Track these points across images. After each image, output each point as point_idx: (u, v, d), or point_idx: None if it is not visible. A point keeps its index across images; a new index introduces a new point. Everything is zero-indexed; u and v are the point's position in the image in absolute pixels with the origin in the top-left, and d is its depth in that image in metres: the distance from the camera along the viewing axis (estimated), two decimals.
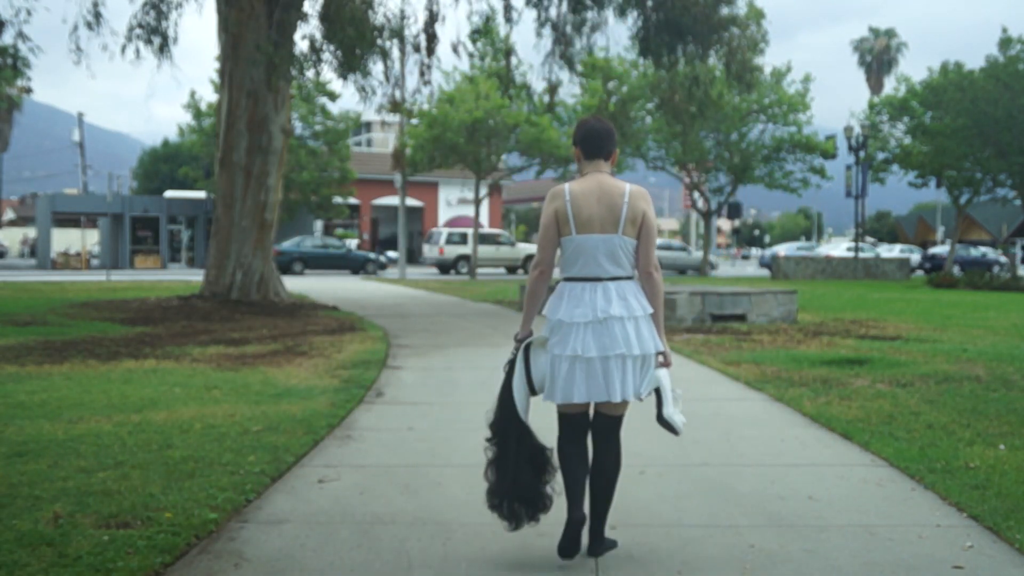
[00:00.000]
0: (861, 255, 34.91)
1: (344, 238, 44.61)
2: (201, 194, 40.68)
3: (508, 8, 18.75)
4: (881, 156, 34.92)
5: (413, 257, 44.70)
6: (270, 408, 6.60)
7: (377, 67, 17.38)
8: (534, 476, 3.69)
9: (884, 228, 73.96)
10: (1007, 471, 4.90)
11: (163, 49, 15.77)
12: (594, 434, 3.74)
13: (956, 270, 35.55)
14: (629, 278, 3.63)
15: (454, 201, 51.74)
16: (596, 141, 3.70)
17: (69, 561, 3.55)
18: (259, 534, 4.00)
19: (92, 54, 18.25)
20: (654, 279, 3.63)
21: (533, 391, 3.71)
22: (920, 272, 40.00)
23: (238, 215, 16.17)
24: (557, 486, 3.72)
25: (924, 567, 3.64)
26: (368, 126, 54.20)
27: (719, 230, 78.86)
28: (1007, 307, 17.63)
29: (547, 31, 18.98)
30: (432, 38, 17.47)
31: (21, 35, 15.09)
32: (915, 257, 43.07)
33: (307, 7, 16.52)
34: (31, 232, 56.08)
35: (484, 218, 46.30)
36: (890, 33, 66.42)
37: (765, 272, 42.54)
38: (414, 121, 30.78)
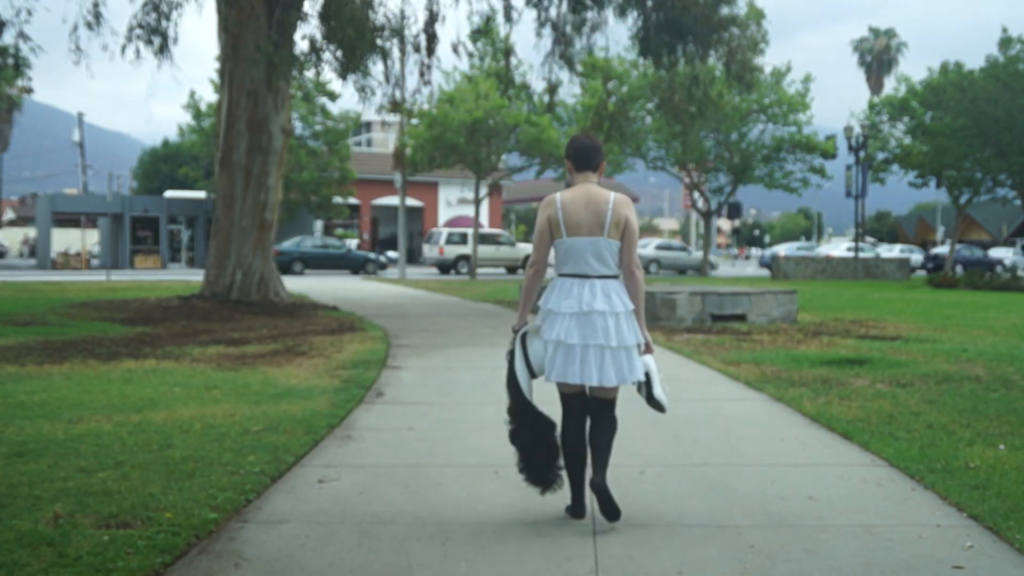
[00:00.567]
0: (861, 255, 34.90)
1: (344, 238, 44.60)
2: (201, 194, 40.68)
3: (508, 8, 18.77)
4: (881, 156, 34.92)
5: (413, 257, 44.71)
6: (270, 408, 6.61)
7: (377, 67, 17.45)
8: (547, 456, 4.17)
9: (884, 228, 73.96)
10: (1007, 471, 4.90)
11: (163, 49, 15.77)
12: (591, 414, 4.19)
13: (959, 270, 35.59)
14: (614, 276, 4.09)
15: (454, 201, 51.74)
16: (585, 155, 4.22)
17: (69, 561, 3.55)
18: (259, 534, 4.00)
19: (92, 54, 18.28)
20: (635, 276, 4.10)
21: (533, 374, 4.18)
22: (922, 272, 39.99)
23: (238, 215, 16.17)
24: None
25: (924, 567, 3.64)
26: (368, 126, 54.22)
27: (719, 230, 78.91)
28: (1007, 307, 17.63)
29: (547, 31, 18.99)
30: (432, 38, 17.47)
31: (22, 35, 15.12)
32: (915, 257, 43.05)
33: (307, 7, 16.55)
34: (31, 232, 56.08)
35: (484, 218, 46.31)
36: (890, 33, 66.42)
37: (765, 272, 42.54)
38: (414, 121, 30.77)
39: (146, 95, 17.71)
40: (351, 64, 16.21)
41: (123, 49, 15.60)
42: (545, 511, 4.31)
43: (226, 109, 16.26)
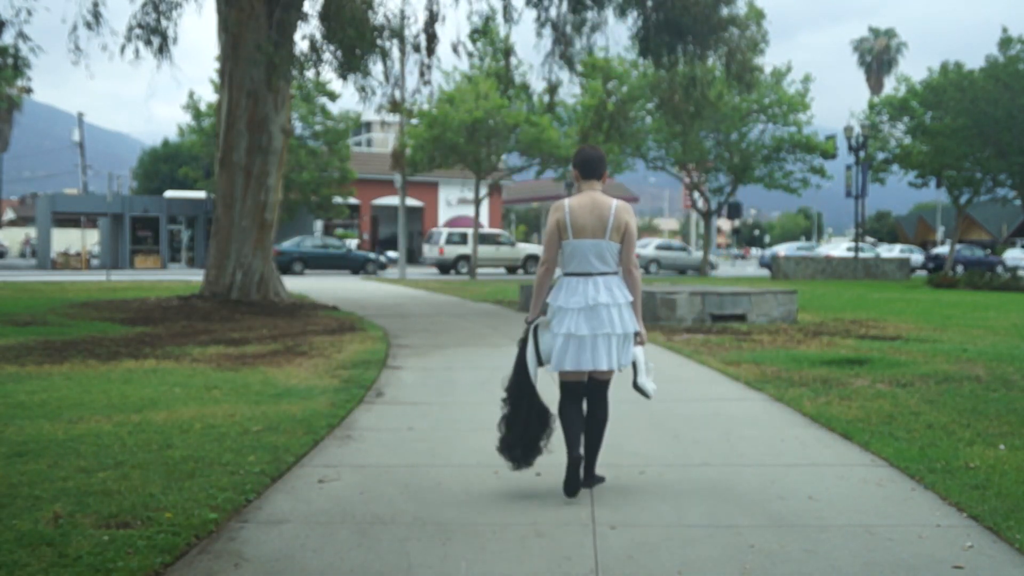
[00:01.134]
0: (861, 255, 34.90)
1: (344, 238, 44.60)
2: (201, 194, 40.67)
3: (508, 8, 18.75)
4: (881, 156, 34.91)
5: (413, 257, 44.69)
6: (270, 408, 6.61)
7: (377, 67, 17.37)
8: (538, 430, 4.64)
9: (884, 228, 73.96)
10: (1007, 471, 4.90)
11: (163, 49, 15.75)
12: (588, 395, 4.65)
13: (959, 270, 35.57)
14: (615, 273, 4.56)
15: (454, 201, 51.73)
16: (591, 165, 4.66)
17: (69, 561, 3.55)
18: (259, 534, 4.00)
19: (92, 54, 18.21)
20: (634, 275, 4.58)
21: (541, 362, 4.66)
22: (923, 272, 39.99)
23: (238, 215, 16.17)
24: (551, 444, 4.67)
25: (924, 567, 3.64)
26: (368, 126, 54.17)
27: (719, 230, 78.87)
28: (1007, 307, 17.63)
29: (547, 31, 18.98)
30: (432, 38, 17.46)
31: (21, 35, 15.11)
32: (916, 257, 43.04)
33: (307, 7, 16.54)
34: (32, 232, 56.08)
35: (484, 218, 46.29)
36: (890, 33, 66.40)
37: (765, 272, 42.54)
38: (414, 121, 30.77)
39: (146, 95, 17.72)
40: (351, 64, 16.20)
41: (123, 49, 15.59)
42: (545, 511, 4.32)
43: (226, 109, 16.25)
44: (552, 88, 21.00)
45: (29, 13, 14.82)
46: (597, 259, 4.50)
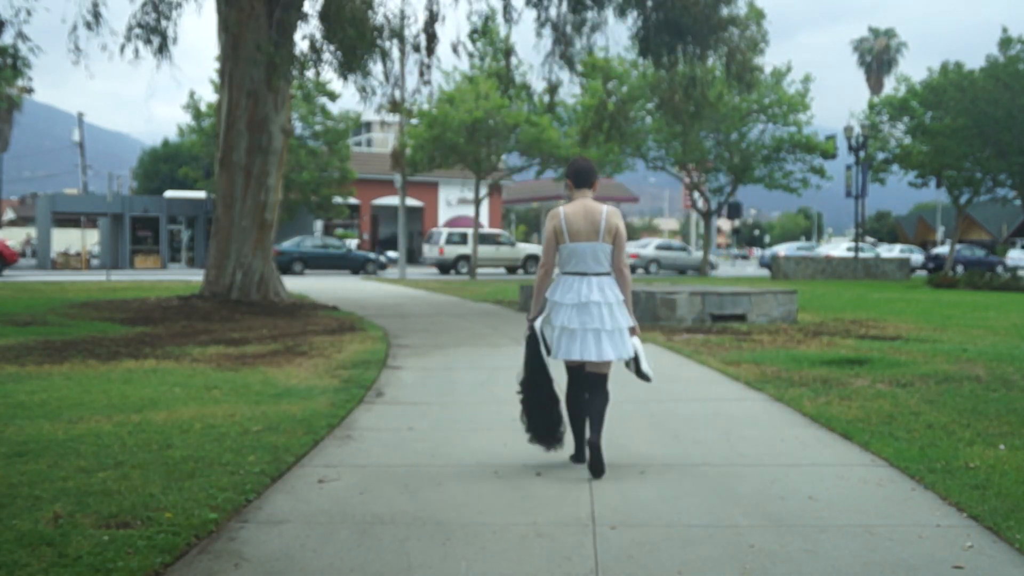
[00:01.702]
0: (861, 255, 34.90)
1: (344, 238, 44.60)
2: (201, 194, 40.67)
3: (508, 8, 18.74)
4: (881, 156, 34.89)
5: (413, 257, 44.69)
6: (270, 408, 6.61)
7: (377, 67, 17.35)
8: (553, 418, 5.15)
9: (884, 228, 73.95)
10: (1007, 471, 4.90)
11: (163, 49, 15.76)
12: (587, 386, 5.06)
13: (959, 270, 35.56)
14: (608, 273, 5.03)
15: (454, 201, 51.73)
16: (583, 175, 5.16)
17: (69, 561, 3.55)
18: (259, 534, 4.00)
19: (92, 54, 18.24)
20: (624, 274, 5.05)
21: (548, 352, 5.14)
22: (923, 272, 39.99)
23: (238, 215, 16.17)
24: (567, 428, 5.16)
25: (924, 567, 3.64)
26: (368, 126, 54.16)
27: (719, 230, 78.85)
28: (1007, 307, 17.63)
29: (547, 31, 18.97)
30: (432, 38, 17.46)
31: (21, 35, 15.08)
32: (916, 257, 43.03)
33: (307, 7, 16.53)
34: (32, 232, 56.07)
35: (484, 218, 46.30)
36: (890, 33, 66.39)
37: (765, 272, 42.53)
38: (414, 121, 30.76)
39: (146, 95, 17.72)
40: (351, 64, 16.20)
41: (122, 49, 15.59)
42: (545, 510, 4.32)
43: (226, 109, 16.25)
44: (552, 88, 20.98)
45: (29, 13, 14.81)
46: (592, 260, 4.98)
